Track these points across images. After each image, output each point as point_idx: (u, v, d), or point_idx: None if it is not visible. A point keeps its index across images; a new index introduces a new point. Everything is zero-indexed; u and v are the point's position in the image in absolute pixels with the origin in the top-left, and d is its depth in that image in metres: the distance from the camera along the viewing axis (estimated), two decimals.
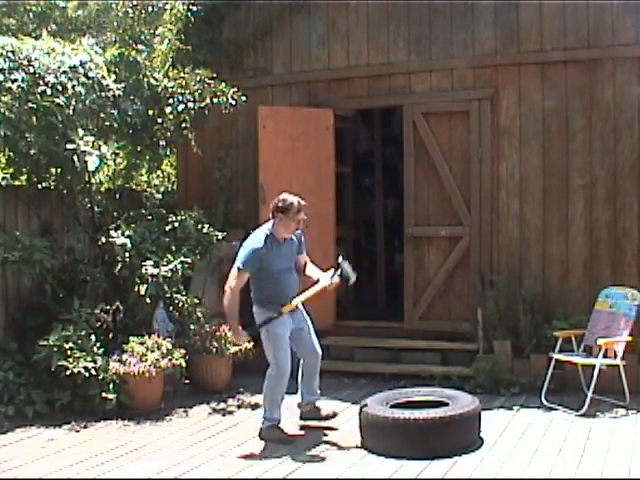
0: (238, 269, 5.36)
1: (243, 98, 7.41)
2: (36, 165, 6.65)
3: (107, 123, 7.03)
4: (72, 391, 6.09)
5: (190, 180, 8.53)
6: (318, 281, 5.56)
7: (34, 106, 6.23)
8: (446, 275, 7.50)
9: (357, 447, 5.29)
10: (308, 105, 7.94)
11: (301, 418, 5.82)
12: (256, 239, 5.42)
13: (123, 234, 6.74)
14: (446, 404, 5.25)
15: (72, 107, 6.47)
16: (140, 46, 7.63)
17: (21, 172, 6.88)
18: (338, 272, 5.56)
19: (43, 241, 6.54)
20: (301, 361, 5.72)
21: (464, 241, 7.41)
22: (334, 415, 5.82)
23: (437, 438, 5.00)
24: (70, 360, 5.96)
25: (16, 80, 6.15)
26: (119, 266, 6.67)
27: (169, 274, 6.60)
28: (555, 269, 7.12)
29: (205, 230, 7.12)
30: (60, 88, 6.40)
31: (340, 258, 5.71)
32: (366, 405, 5.35)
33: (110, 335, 6.83)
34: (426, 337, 7.37)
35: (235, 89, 7.40)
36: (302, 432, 5.68)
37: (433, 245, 7.59)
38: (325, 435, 5.58)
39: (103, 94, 6.84)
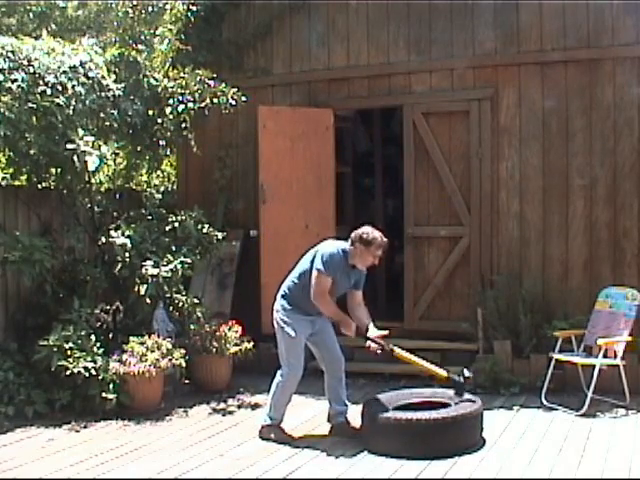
0: (320, 271, 5.25)
1: (243, 98, 7.41)
2: (36, 165, 6.65)
3: (107, 123, 7.03)
4: (72, 391, 6.08)
5: (190, 180, 8.53)
6: (367, 330, 5.41)
7: (34, 106, 6.22)
8: (446, 275, 7.50)
9: (357, 447, 5.29)
10: (308, 105, 7.94)
11: (330, 432, 5.63)
12: (336, 249, 5.35)
13: (123, 234, 6.74)
14: (448, 405, 5.25)
15: (72, 107, 6.46)
16: (140, 46, 7.64)
17: (21, 172, 6.88)
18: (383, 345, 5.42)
19: (43, 241, 6.54)
20: (325, 372, 5.61)
21: (464, 241, 7.41)
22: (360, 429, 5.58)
23: (439, 439, 5.00)
24: (70, 360, 5.95)
25: (16, 80, 6.14)
26: (119, 266, 6.67)
27: (169, 274, 6.60)
28: (555, 269, 7.12)
29: (205, 230, 7.12)
30: (60, 88, 6.40)
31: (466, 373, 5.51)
32: (367, 406, 5.35)
33: (110, 335, 6.84)
34: (426, 337, 7.37)
35: (235, 89, 7.40)
36: (304, 428, 5.70)
37: (433, 245, 7.59)
38: (325, 435, 5.58)
39: (103, 94, 6.83)
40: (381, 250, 5.35)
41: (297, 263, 5.56)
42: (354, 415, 5.54)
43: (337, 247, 5.38)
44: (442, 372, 5.54)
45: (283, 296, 5.49)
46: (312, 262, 5.36)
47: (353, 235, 5.35)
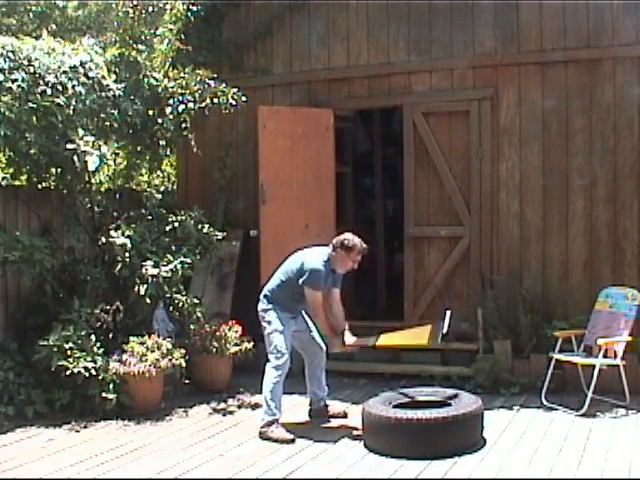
0: (312, 288, 5.55)
1: (243, 98, 7.40)
2: (36, 165, 6.65)
3: (107, 123, 7.02)
4: (72, 391, 6.09)
5: (190, 180, 8.53)
6: (342, 334, 5.76)
7: (34, 106, 6.22)
8: (446, 275, 7.50)
9: (358, 447, 5.29)
10: (308, 105, 7.94)
11: (310, 415, 5.97)
12: (320, 261, 5.62)
13: (123, 234, 6.73)
14: (448, 404, 5.26)
15: (72, 107, 6.46)
16: (140, 46, 7.60)
17: (21, 172, 6.88)
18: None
19: (43, 241, 6.53)
20: (306, 360, 5.90)
21: (464, 241, 7.41)
22: (345, 415, 5.96)
23: (440, 438, 5.00)
24: (70, 360, 5.95)
25: (16, 80, 6.13)
26: (119, 266, 6.67)
27: (169, 274, 6.60)
28: (555, 269, 7.12)
29: (205, 230, 7.12)
30: (60, 88, 6.39)
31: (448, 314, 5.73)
32: (367, 405, 5.36)
33: (110, 335, 6.83)
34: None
35: (235, 89, 7.40)
36: (303, 428, 5.70)
37: (433, 245, 7.59)
38: (325, 435, 5.58)
39: (103, 94, 6.83)
40: (360, 255, 5.66)
41: (280, 265, 5.82)
42: (338, 404, 5.78)
43: (321, 258, 5.64)
44: (422, 340, 5.79)
45: (266, 296, 5.75)
46: (299, 272, 5.62)
47: (335, 241, 5.65)
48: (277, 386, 5.54)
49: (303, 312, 5.85)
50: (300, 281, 5.56)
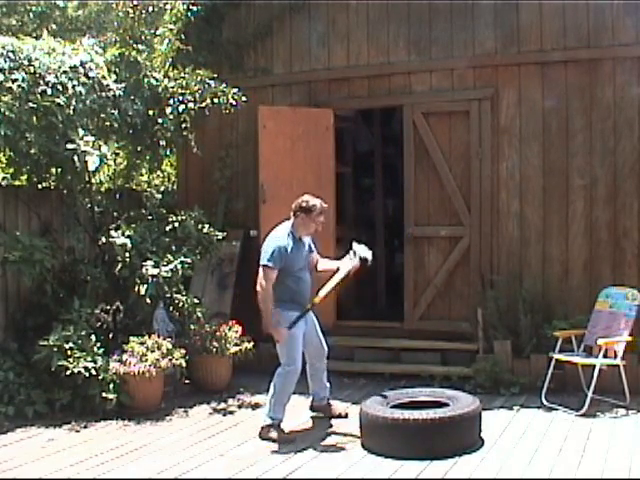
0: (266, 267, 5.42)
1: (243, 98, 7.40)
2: (36, 165, 6.66)
3: (107, 123, 7.03)
4: (72, 391, 6.09)
5: (190, 180, 8.53)
6: (338, 270, 5.70)
7: (34, 106, 6.22)
8: (446, 275, 7.50)
9: (357, 447, 5.29)
10: (308, 105, 7.94)
11: (311, 408, 6.01)
12: (279, 237, 5.52)
13: (123, 234, 6.74)
14: (447, 405, 5.25)
15: (72, 107, 6.46)
16: (140, 46, 7.60)
17: (21, 172, 6.89)
18: (356, 255, 5.67)
19: (43, 241, 6.54)
20: (308, 361, 5.87)
21: (464, 241, 7.41)
22: (345, 415, 5.96)
23: (437, 439, 5.00)
24: (70, 360, 5.96)
25: (16, 80, 6.14)
26: (119, 266, 6.67)
27: (169, 274, 6.60)
28: (555, 269, 7.12)
29: (205, 230, 7.12)
30: (60, 88, 6.39)
31: (354, 243, 5.77)
32: (365, 405, 5.35)
33: (110, 335, 6.84)
34: (426, 337, 7.37)
35: (235, 89, 7.40)
36: (303, 428, 5.72)
37: (433, 245, 7.59)
38: (325, 435, 5.58)
39: (103, 94, 6.83)
40: (323, 216, 5.55)
41: None
42: (339, 404, 5.87)
43: (280, 234, 5.53)
44: (340, 275, 5.70)
45: (275, 306, 5.60)
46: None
47: (293, 206, 5.54)
48: (285, 391, 5.52)
49: (312, 315, 5.78)
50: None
